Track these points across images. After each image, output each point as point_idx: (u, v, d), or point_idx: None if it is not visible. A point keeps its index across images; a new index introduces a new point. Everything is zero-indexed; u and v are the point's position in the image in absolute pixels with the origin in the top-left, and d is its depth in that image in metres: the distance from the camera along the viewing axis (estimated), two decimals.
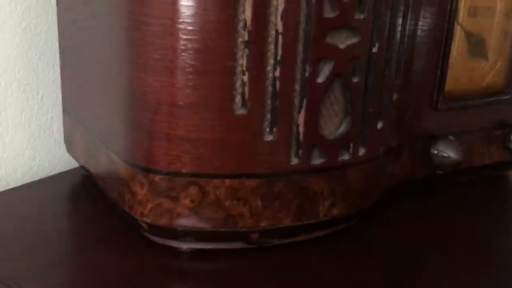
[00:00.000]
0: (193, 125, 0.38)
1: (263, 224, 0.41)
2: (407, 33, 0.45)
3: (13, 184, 0.60)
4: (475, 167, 0.56)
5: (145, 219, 0.41)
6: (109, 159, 0.45)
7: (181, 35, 0.37)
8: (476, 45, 0.56)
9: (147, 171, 0.40)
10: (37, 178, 0.60)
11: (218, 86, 0.38)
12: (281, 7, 0.37)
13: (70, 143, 0.56)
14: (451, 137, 0.53)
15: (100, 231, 0.46)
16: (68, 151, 0.58)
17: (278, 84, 0.39)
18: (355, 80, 0.42)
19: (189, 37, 0.37)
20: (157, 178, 0.40)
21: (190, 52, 0.37)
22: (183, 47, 0.37)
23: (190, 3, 0.36)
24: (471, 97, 0.56)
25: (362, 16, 0.40)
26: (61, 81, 0.57)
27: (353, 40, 0.41)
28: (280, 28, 0.38)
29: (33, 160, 0.63)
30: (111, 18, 0.41)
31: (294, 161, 0.41)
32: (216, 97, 0.38)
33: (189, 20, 0.36)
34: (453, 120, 0.54)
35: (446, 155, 0.52)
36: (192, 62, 0.37)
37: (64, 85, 0.55)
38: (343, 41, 0.40)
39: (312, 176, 0.42)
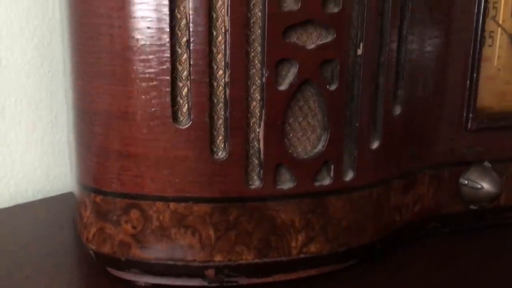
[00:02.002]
0: (131, 138, 0.33)
1: (218, 258, 0.35)
2: (407, 32, 0.37)
3: (22, 202, 0.59)
4: None
5: (90, 245, 0.37)
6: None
7: (114, 34, 0.32)
8: None
9: (89, 190, 0.36)
10: (48, 196, 0.59)
11: (156, 94, 0.32)
12: (225, 0, 0.31)
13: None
14: (487, 164, 0.43)
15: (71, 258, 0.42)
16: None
17: (228, 91, 0.32)
18: (332, 88, 0.34)
19: (121, 36, 0.32)
20: (98, 198, 0.35)
21: (124, 54, 0.32)
22: (117, 49, 0.32)
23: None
24: None
25: (336, 10, 0.33)
26: None
27: (326, 39, 0.33)
28: (227, 24, 0.32)
29: (46, 178, 0.61)
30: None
31: (255, 184, 0.34)
32: (155, 106, 0.32)
33: (120, 15, 0.32)
34: (491, 143, 0.44)
35: (479, 186, 0.42)
36: (126, 66, 0.32)
37: None
38: (314, 40, 0.33)
39: (278, 203, 0.35)
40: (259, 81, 0.33)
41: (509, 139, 0.45)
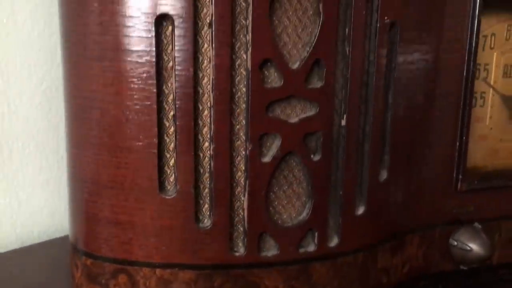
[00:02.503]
0: (119, 206, 0.34)
1: None
2: (393, 99, 0.37)
3: (29, 243, 0.60)
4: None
5: None
6: None
7: (104, 108, 0.33)
8: None
9: (81, 253, 0.37)
10: (54, 237, 0.60)
11: (143, 165, 0.34)
12: (211, 77, 0.32)
13: None
14: (477, 225, 0.43)
15: None
16: None
17: (212, 163, 0.34)
18: (316, 158, 0.35)
19: (111, 111, 0.33)
20: (89, 261, 0.36)
21: (112, 126, 0.33)
22: (106, 123, 0.34)
23: (111, 74, 0.33)
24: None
25: (319, 84, 0.34)
26: None
27: (310, 112, 0.34)
28: (212, 100, 0.33)
29: (51, 219, 0.63)
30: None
31: (240, 251, 0.35)
32: (142, 176, 0.34)
33: (110, 91, 0.33)
34: (483, 202, 0.44)
35: (468, 248, 0.42)
36: (115, 139, 0.33)
37: None
38: (298, 113, 0.34)
39: (263, 270, 0.35)
40: (244, 153, 0.34)
41: (501, 198, 0.45)
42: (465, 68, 0.41)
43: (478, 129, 0.45)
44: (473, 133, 0.44)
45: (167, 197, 0.34)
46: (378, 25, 0.35)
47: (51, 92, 0.60)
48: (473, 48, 0.41)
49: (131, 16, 0.32)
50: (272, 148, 0.34)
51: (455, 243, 0.43)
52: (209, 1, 0.32)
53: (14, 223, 0.60)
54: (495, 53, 0.44)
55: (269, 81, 0.34)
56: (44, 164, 0.61)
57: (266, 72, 0.33)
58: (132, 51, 0.32)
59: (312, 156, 0.35)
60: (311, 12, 0.34)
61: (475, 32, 0.41)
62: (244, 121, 0.34)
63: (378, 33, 0.35)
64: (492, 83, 0.45)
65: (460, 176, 0.43)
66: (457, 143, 0.42)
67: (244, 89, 0.33)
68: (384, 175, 0.39)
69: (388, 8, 0.35)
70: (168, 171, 0.34)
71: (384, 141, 0.38)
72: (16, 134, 0.59)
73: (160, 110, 0.33)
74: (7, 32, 0.54)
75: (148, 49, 0.32)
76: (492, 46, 0.44)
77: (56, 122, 0.61)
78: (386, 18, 0.35)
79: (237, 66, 0.33)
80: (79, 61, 0.34)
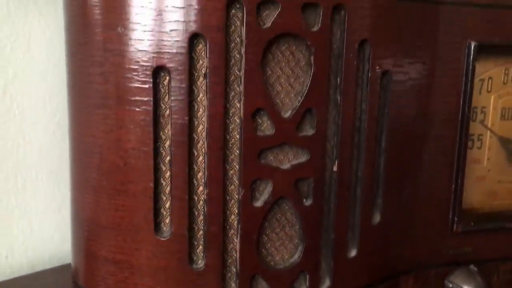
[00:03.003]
0: (116, 246, 0.36)
1: None
2: (386, 145, 0.38)
3: (40, 268, 0.62)
4: None
5: None
6: None
7: (103, 153, 0.35)
8: None
9: None
10: (65, 262, 0.62)
11: (139, 208, 0.35)
12: (206, 125, 0.34)
13: None
14: (473, 268, 0.43)
15: None
16: None
17: (206, 207, 0.35)
18: (307, 203, 0.36)
19: (109, 156, 0.35)
20: None
21: (111, 171, 0.35)
22: (105, 167, 0.35)
23: (110, 121, 0.35)
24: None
25: (311, 132, 0.35)
26: None
27: (302, 158, 0.35)
28: (205, 148, 0.34)
29: (62, 245, 0.65)
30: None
31: None
32: (139, 218, 0.35)
33: (110, 137, 0.35)
34: (480, 243, 0.44)
35: None
36: (114, 181, 0.35)
37: None
38: (291, 159, 0.36)
39: None
40: (237, 197, 0.35)
41: (498, 239, 0.45)
42: (460, 113, 0.42)
43: (475, 170, 0.45)
44: (471, 174, 0.45)
45: (162, 238, 0.35)
46: (369, 74, 0.36)
47: (64, 122, 0.62)
48: (467, 94, 0.41)
49: (130, 68, 0.33)
50: (265, 193, 0.35)
51: (450, 285, 0.43)
52: (204, 54, 0.33)
53: (26, 250, 0.62)
54: (492, 96, 0.45)
55: (262, 128, 0.35)
56: (56, 192, 0.63)
57: (259, 119, 0.35)
58: (131, 100, 0.34)
59: (304, 200, 0.36)
60: (303, 63, 0.35)
61: (469, 78, 0.41)
62: (237, 167, 0.35)
63: (369, 82, 0.36)
64: (489, 125, 0.45)
65: (456, 218, 0.43)
66: (453, 185, 0.43)
67: (238, 136, 0.35)
68: (377, 218, 0.39)
69: (380, 58, 0.36)
70: (164, 213, 0.36)
71: (377, 185, 0.39)
72: (30, 163, 0.61)
73: (157, 155, 0.35)
74: (24, 67, 0.57)
75: (146, 98, 0.34)
76: (489, 89, 0.45)
77: (68, 151, 0.63)
78: (377, 67, 0.36)
79: (231, 115, 0.34)
80: (82, 107, 0.36)
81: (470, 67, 0.41)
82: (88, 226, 0.37)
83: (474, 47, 0.41)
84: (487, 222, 0.45)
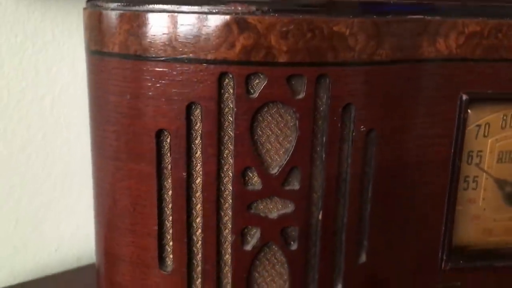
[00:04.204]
0: (129, 275, 0.42)
1: None
2: (372, 193, 0.41)
3: (85, 262, 0.70)
4: None
5: None
6: None
7: (116, 198, 0.41)
8: None
9: None
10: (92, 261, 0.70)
11: (146, 246, 0.41)
12: (201, 180, 0.39)
13: None
14: None
15: None
16: None
17: (201, 249, 0.40)
18: (293, 247, 0.40)
19: (118, 203, 0.41)
20: None
21: (123, 214, 0.41)
22: (115, 213, 0.41)
23: (122, 172, 0.40)
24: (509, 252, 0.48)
25: (296, 187, 0.39)
26: None
27: (287, 209, 0.40)
28: (200, 200, 0.39)
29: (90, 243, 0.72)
30: None
31: None
32: (146, 254, 0.41)
33: (121, 186, 0.40)
34: (470, 279, 0.47)
35: None
36: (125, 222, 0.41)
37: None
38: (279, 208, 0.40)
39: None
40: (225, 242, 0.40)
41: (488, 276, 0.47)
42: (450, 162, 0.44)
43: (471, 209, 0.47)
44: (466, 213, 0.47)
45: (165, 272, 0.41)
46: (353, 133, 0.39)
47: None
48: (458, 144, 0.43)
49: (137, 130, 0.38)
50: (254, 238, 0.40)
51: None
52: (200, 118, 0.38)
53: (72, 244, 0.70)
54: (489, 141, 0.46)
55: (253, 181, 0.39)
56: (84, 190, 0.70)
57: (250, 174, 0.39)
58: (139, 155, 0.39)
59: (291, 243, 0.40)
60: (291, 124, 0.39)
61: (461, 129, 0.43)
62: (231, 213, 0.40)
63: (353, 140, 0.39)
64: (485, 168, 0.47)
65: (445, 257, 0.46)
66: (443, 228, 0.45)
67: (231, 188, 0.39)
68: (363, 258, 0.43)
69: (365, 119, 0.39)
70: (169, 249, 0.41)
71: (364, 229, 0.42)
72: (75, 170, 0.68)
73: (161, 201, 0.40)
74: (69, 83, 0.63)
75: (151, 155, 0.39)
76: (486, 134, 0.46)
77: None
78: (362, 127, 0.39)
79: (225, 169, 0.39)
80: (99, 158, 0.41)
81: (462, 119, 0.43)
82: (107, 256, 0.43)
83: (465, 100, 0.42)
84: (479, 260, 0.47)
